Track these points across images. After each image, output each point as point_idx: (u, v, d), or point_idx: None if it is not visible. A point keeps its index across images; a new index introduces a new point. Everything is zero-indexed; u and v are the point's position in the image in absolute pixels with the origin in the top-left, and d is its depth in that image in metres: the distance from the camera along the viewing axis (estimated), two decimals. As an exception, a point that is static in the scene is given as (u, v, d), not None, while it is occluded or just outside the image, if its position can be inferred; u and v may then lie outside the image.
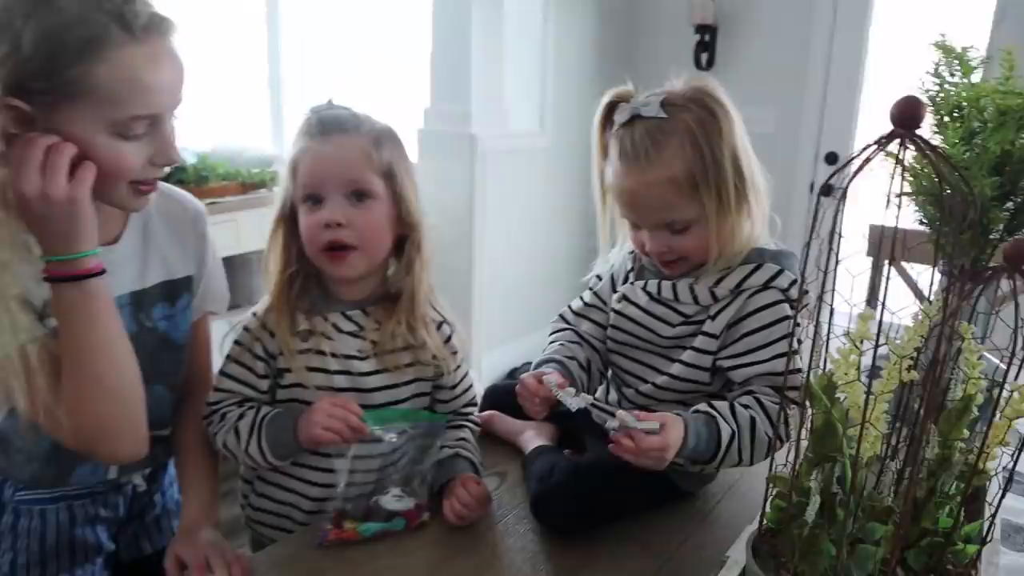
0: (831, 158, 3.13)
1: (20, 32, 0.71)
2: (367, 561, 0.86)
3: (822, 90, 3.11)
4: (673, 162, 0.87)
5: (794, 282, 0.89)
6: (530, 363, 1.08)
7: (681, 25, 3.34)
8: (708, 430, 0.84)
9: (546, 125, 3.27)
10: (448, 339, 1.01)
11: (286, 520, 0.99)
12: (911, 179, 0.79)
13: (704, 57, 3.33)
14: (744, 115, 2.92)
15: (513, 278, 3.25)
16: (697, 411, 0.87)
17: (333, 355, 0.94)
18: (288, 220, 0.96)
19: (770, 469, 0.60)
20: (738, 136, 0.90)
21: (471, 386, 1.06)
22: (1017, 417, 0.55)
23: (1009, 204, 0.75)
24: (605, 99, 0.96)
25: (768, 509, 0.60)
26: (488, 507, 0.94)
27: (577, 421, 0.91)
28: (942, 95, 0.81)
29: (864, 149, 0.52)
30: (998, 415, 0.55)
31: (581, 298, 1.09)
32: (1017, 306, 0.55)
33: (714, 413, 0.86)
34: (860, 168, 0.53)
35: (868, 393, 0.51)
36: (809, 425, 0.56)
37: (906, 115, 0.50)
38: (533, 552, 0.88)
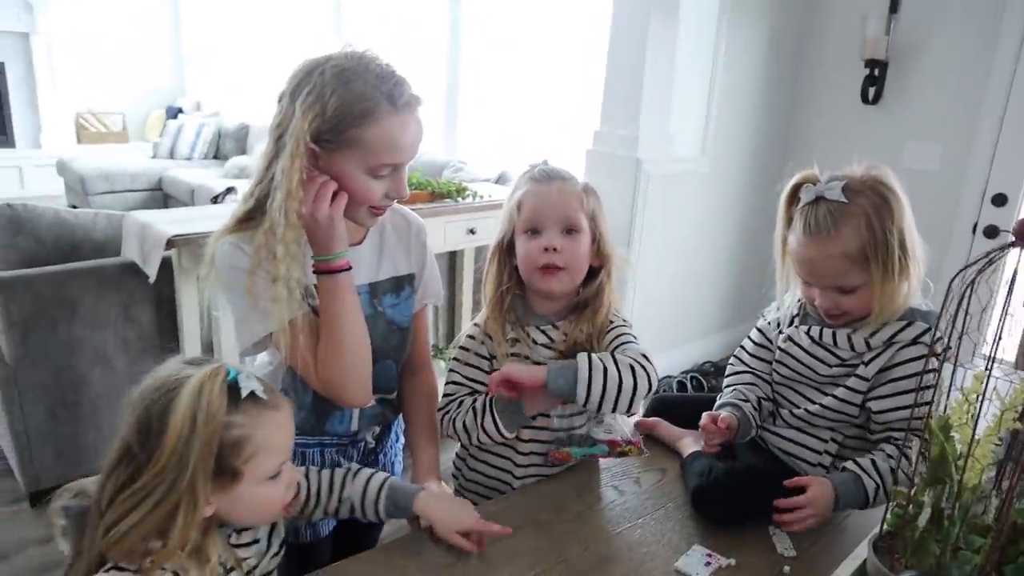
0: (999, 200, 3.07)
1: (327, 102, 1.01)
2: (556, 524, 1.10)
3: (996, 129, 3.05)
4: (850, 240, 1.04)
5: (939, 340, 1.04)
6: (672, 376, 1.30)
7: (851, 59, 3.37)
8: (856, 487, 1.05)
9: (707, 151, 3.41)
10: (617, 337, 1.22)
11: (494, 492, 1.25)
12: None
13: (871, 91, 3.34)
14: (909, 151, 3.02)
15: (666, 295, 3.42)
16: (847, 470, 1.07)
17: (532, 361, 1.19)
18: (504, 250, 1.22)
19: (894, 484, 0.78)
20: (906, 218, 1.06)
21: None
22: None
23: None
24: (794, 180, 1.14)
25: (889, 515, 0.78)
26: None
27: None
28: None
29: (987, 254, 0.69)
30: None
31: (751, 338, 1.28)
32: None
33: (859, 472, 1.06)
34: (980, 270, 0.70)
35: (973, 436, 0.69)
36: (927, 454, 0.74)
37: (1020, 232, 0.67)
38: (689, 533, 1.09)
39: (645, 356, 1.11)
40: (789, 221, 1.14)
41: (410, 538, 1.06)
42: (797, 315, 1.21)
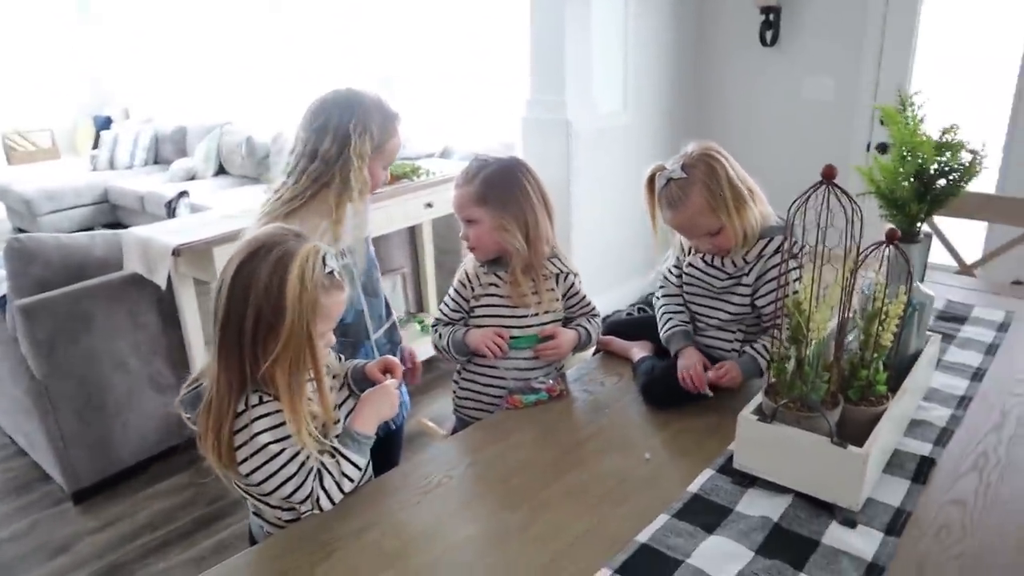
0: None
1: (371, 127, 1.46)
2: (545, 418, 1.45)
3: (877, 59, 3.46)
4: (697, 201, 1.40)
5: (794, 243, 1.40)
6: (620, 310, 1.71)
7: (747, 7, 3.73)
8: (753, 363, 1.46)
9: (628, 105, 3.75)
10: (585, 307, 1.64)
11: (484, 405, 1.60)
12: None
13: (769, 35, 3.71)
14: (807, 84, 3.53)
15: (603, 239, 3.78)
16: (746, 354, 1.47)
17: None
18: None
19: (772, 347, 1.16)
20: (730, 170, 1.42)
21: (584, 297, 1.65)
22: (896, 318, 1.10)
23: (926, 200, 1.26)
24: (648, 171, 1.50)
25: (772, 369, 1.16)
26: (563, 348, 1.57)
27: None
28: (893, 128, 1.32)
29: (805, 192, 1.05)
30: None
31: (666, 276, 1.64)
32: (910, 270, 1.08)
33: (754, 354, 1.46)
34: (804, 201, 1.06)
35: (811, 301, 1.06)
36: (790, 324, 1.11)
37: (826, 174, 1.03)
38: (642, 420, 1.45)
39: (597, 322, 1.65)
40: (652, 204, 1.50)
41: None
42: (689, 250, 1.58)
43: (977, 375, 1.54)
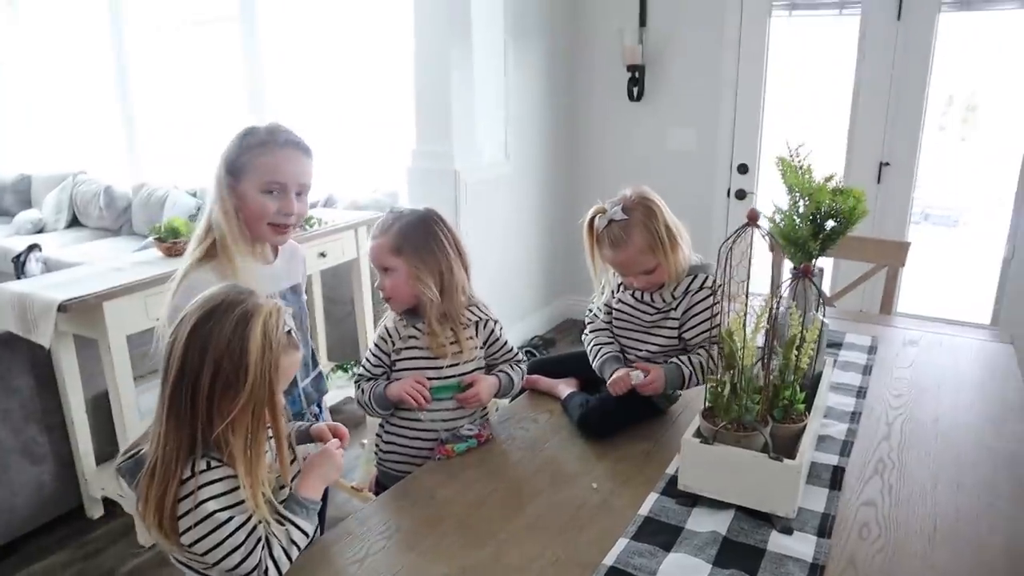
0: (742, 168, 3.87)
1: (232, 146, 1.47)
2: (489, 459, 1.49)
3: (732, 113, 3.83)
4: (638, 241, 1.54)
5: (715, 281, 1.55)
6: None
7: (615, 65, 4.03)
8: (679, 372, 1.57)
9: (510, 154, 3.91)
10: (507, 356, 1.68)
11: (409, 458, 1.59)
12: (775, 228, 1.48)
13: (635, 91, 4.02)
14: (670, 136, 3.86)
15: (492, 285, 3.87)
16: (672, 362, 1.58)
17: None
18: None
19: (709, 373, 1.27)
20: (666, 213, 1.57)
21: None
22: (812, 343, 1.24)
23: (819, 238, 1.44)
24: (588, 214, 1.61)
25: (708, 394, 1.27)
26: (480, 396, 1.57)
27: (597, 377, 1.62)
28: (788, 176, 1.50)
29: (735, 231, 1.18)
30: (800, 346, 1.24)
31: (599, 308, 1.74)
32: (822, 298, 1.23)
33: (678, 363, 1.58)
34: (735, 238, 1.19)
35: (744, 334, 1.18)
36: (723, 352, 1.23)
37: (750, 217, 1.16)
38: (581, 452, 1.52)
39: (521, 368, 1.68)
40: (592, 243, 1.62)
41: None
42: (620, 284, 1.70)
43: (860, 392, 1.75)
